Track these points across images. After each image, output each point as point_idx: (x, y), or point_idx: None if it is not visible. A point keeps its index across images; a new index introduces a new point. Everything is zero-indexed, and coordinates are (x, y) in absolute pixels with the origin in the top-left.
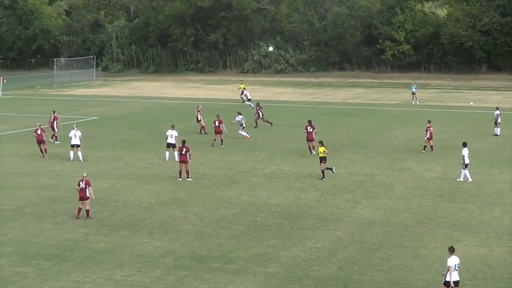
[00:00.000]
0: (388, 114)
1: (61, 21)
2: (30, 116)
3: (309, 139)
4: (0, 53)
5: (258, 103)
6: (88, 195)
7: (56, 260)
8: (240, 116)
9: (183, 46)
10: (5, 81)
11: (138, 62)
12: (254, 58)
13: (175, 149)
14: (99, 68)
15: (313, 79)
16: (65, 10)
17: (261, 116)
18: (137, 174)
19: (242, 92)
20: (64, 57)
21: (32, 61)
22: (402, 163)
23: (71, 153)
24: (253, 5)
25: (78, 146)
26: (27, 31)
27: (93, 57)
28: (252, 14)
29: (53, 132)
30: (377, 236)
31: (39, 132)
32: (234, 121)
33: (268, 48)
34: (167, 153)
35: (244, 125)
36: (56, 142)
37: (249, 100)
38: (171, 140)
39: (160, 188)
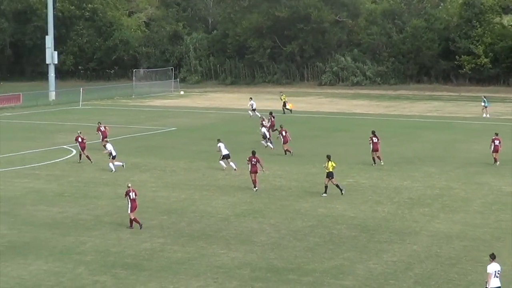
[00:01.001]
0: (466, 128)
1: (140, 32)
2: (109, 127)
3: (375, 149)
4: (80, 64)
5: (271, 112)
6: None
7: (134, 270)
8: (264, 128)
9: (260, 57)
10: (82, 91)
11: (216, 74)
12: (332, 70)
13: (229, 159)
14: (177, 79)
15: (391, 92)
16: (144, 21)
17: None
18: (214, 185)
19: (285, 104)
20: (143, 68)
21: (112, 72)
22: (479, 177)
23: (111, 165)
24: (331, 18)
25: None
26: (106, 42)
27: (172, 68)
28: (330, 26)
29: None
30: (454, 250)
31: (80, 140)
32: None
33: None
34: (222, 162)
35: (268, 136)
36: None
37: (253, 110)
38: (224, 151)
39: (236, 199)
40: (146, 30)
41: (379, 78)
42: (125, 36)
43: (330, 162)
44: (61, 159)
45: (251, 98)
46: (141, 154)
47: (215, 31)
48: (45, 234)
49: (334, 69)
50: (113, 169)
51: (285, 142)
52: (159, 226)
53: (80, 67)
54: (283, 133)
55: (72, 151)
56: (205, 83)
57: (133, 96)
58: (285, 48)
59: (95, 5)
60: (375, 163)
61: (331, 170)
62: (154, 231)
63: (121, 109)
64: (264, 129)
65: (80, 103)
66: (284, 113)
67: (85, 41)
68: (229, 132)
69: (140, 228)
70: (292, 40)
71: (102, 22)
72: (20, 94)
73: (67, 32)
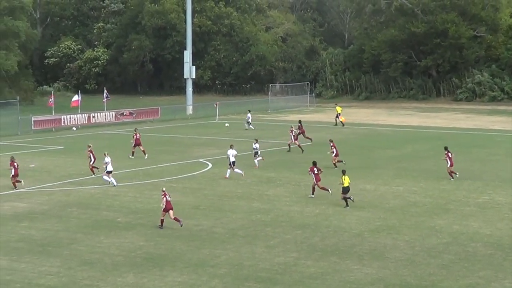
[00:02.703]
0: None
1: (276, 47)
2: (244, 141)
3: (451, 165)
4: (217, 79)
5: (300, 121)
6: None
7: (267, 283)
8: (257, 144)
9: (395, 72)
10: (217, 105)
11: (351, 89)
12: (468, 86)
13: (234, 167)
14: (313, 94)
15: None
16: (281, 36)
17: (296, 136)
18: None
19: (337, 116)
20: (279, 83)
21: (248, 86)
22: None
23: (106, 178)
24: (469, 33)
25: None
26: (243, 57)
27: (307, 83)
28: (467, 41)
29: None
30: None
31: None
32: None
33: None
34: (228, 171)
35: (258, 153)
36: (131, 157)
37: (248, 123)
38: (232, 158)
39: (370, 214)
40: (283, 45)
41: None
42: (261, 51)
43: (345, 176)
44: (198, 172)
45: (249, 110)
46: (276, 169)
47: (351, 46)
48: (181, 246)
49: (469, 85)
50: (114, 183)
51: (336, 155)
52: (293, 240)
53: (217, 82)
54: (334, 148)
55: (209, 165)
56: (340, 98)
57: (269, 111)
58: (420, 63)
59: (232, 21)
60: (452, 178)
61: (346, 185)
62: (288, 246)
63: (257, 124)
64: (256, 145)
65: (217, 117)
66: (335, 124)
67: (222, 56)
68: (363, 147)
69: (181, 225)
70: (429, 55)
71: (239, 38)
72: (158, 108)
73: (205, 47)
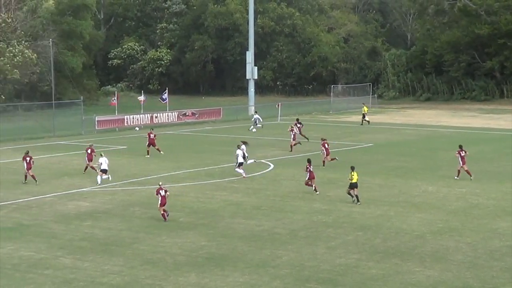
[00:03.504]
0: None
1: (338, 48)
2: (306, 142)
3: (463, 163)
4: (279, 79)
5: (298, 119)
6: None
7: (328, 285)
8: (243, 147)
9: (457, 73)
10: (279, 106)
11: (413, 90)
12: None
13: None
14: (375, 95)
15: None
16: (343, 37)
17: (296, 133)
18: (410, 202)
19: (364, 116)
20: (340, 84)
21: (310, 87)
22: None
23: (98, 177)
24: None
25: (106, 170)
26: (305, 58)
27: (370, 84)
28: None
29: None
30: None
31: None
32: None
33: None
34: (240, 171)
35: (241, 162)
36: (147, 156)
37: (255, 124)
38: (240, 159)
39: (432, 216)
40: (345, 46)
41: None
42: (323, 52)
43: (353, 173)
44: (259, 173)
45: (255, 111)
46: (338, 170)
47: (413, 47)
48: (242, 246)
49: None
50: (99, 182)
51: (327, 154)
52: (354, 241)
53: (278, 83)
54: (326, 145)
55: (270, 166)
56: (402, 99)
57: (331, 112)
58: (484, 64)
59: (295, 21)
60: (471, 177)
61: (355, 181)
62: (350, 247)
63: (319, 125)
64: (239, 152)
65: (278, 118)
66: (361, 124)
67: (284, 56)
68: (425, 149)
69: (165, 220)
70: (493, 56)
71: (301, 38)
72: (220, 108)
73: (267, 48)
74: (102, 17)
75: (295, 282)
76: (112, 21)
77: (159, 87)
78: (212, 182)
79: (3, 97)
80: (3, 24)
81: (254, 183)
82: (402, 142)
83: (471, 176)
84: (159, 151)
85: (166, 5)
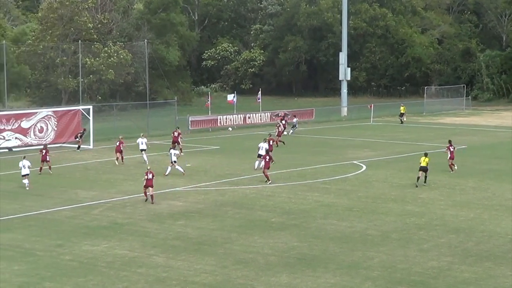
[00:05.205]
0: None
1: (432, 49)
2: (398, 143)
3: (452, 157)
4: (372, 80)
5: (285, 114)
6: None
7: None
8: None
9: None
10: (371, 107)
11: (508, 92)
12: None
13: (261, 159)
14: (469, 97)
15: None
16: (437, 38)
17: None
18: (504, 205)
19: (401, 115)
20: (434, 85)
21: (403, 88)
22: None
23: (25, 181)
24: None
25: (27, 174)
26: (399, 59)
27: (463, 86)
28: None
29: (179, 146)
30: None
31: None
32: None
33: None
34: (256, 162)
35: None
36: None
37: (294, 127)
38: (262, 152)
39: None
40: (439, 47)
41: None
42: (417, 53)
43: (425, 158)
44: (351, 174)
45: (294, 116)
46: (430, 172)
47: (508, 48)
48: (334, 247)
49: None
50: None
51: (270, 148)
52: (447, 244)
53: (372, 84)
54: (270, 142)
55: (362, 167)
56: (496, 102)
57: (424, 113)
58: None
59: (388, 22)
60: (452, 171)
61: (424, 164)
62: (442, 250)
63: (411, 126)
64: (173, 151)
65: (371, 119)
66: (401, 122)
67: (377, 58)
68: None
69: (145, 201)
70: None
71: (395, 39)
72: (313, 109)
73: (360, 49)
74: (196, 18)
75: (387, 284)
76: (206, 22)
77: (251, 86)
78: (304, 183)
79: (99, 97)
80: (99, 25)
81: (346, 184)
82: (496, 145)
83: (452, 169)
84: (181, 151)
85: (261, 6)
